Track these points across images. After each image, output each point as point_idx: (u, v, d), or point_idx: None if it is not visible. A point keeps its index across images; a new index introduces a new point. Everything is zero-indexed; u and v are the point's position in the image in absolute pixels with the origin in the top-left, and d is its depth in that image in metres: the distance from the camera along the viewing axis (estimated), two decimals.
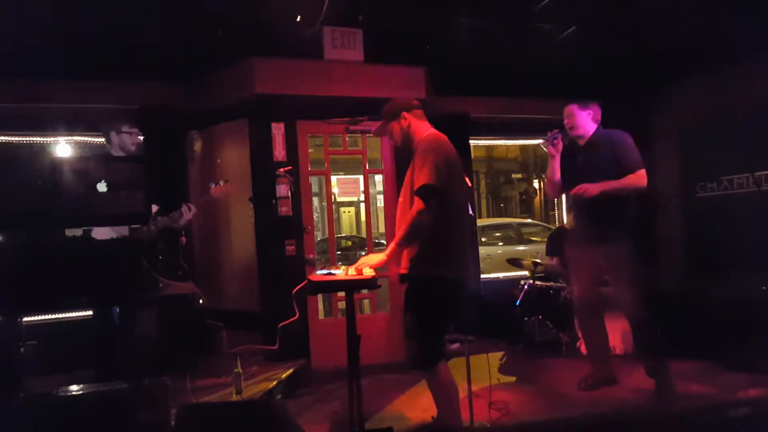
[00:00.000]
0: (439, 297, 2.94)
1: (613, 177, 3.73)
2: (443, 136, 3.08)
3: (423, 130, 3.11)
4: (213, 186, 4.16)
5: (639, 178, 3.74)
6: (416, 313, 2.97)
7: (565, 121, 4.01)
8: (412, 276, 2.98)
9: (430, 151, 2.92)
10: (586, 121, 3.95)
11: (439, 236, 2.89)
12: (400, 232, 2.94)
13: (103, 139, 5.01)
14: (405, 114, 3.11)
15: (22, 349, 3.49)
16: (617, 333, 4.78)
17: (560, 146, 4.02)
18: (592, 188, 3.72)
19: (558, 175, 4.03)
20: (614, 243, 3.78)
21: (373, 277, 2.95)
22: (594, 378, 4.02)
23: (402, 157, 3.32)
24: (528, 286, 5.38)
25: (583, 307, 4.09)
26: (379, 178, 6.12)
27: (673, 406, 3.34)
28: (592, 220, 3.85)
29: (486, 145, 12.35)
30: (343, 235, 11.84)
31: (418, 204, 2.85)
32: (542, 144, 4.08)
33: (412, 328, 2.98)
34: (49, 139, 5.06)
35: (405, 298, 3.04)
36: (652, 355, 3.83)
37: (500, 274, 6.97)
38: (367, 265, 2.97)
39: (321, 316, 5.42)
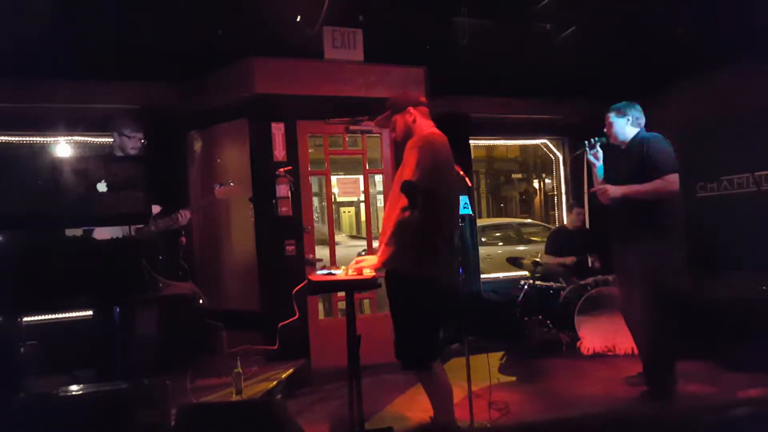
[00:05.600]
0: (420, 297, 2.87)
1: (643, 179, 3.68)
2: (438, 137, 3.01)
3: (425, 128, 3.05)
4: (217, 187, 4.15)
5: (667, 183, 3.64)
6: (400, 312, 2.93)
7: (605, 129, 4.01)
8: (392, 274, 2.94)
9: (415, 149, 2.87)
10: (623, 128, 3.92)
11: (422, 235, 2.84)
12: (386, 231, 2.91)
13: (102, 139, 5.05)
14: (411, 109, 3.04)
15: (22, 349, 3.49)
16: (618, 332, 4.78)
17: (600, 154, 4.03)
18: (614, 190, 3.73)
19: (599, 180, 4.03)
20: (643, 246, 3.68)
21: (373, 277, 2.95)
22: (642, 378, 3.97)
23: (402, 156, 3.26)
24: (528, 286, 5.38)
25: (628, 307, 3.99)
26: (379, 178, 6.12)
27: (673, 406, 3.34)
28: (623, 221, 3.83)
29: (486, 145, 12.36)
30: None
31: (403, 201, 2.81)
32: (580, 153, 4.09)
33: (400, 328, 2.94)
34: (49, 139, 5.05)
35: (388, 297, 3.00)
36: (656, 358, 3.77)
37: (500, 274, 6.97)
38: (364, 267, 2.95)
39: (321, 316, 5.42)
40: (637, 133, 3.93)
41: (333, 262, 5.18)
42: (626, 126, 3.92)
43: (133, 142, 3.86)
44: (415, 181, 2.78)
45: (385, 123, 3.16)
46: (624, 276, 4.00)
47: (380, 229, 3.18)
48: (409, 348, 2.92)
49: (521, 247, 9.46)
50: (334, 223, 5.59)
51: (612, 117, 3.96)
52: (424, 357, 2.91)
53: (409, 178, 2.80)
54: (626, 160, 3.89)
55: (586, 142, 4.03)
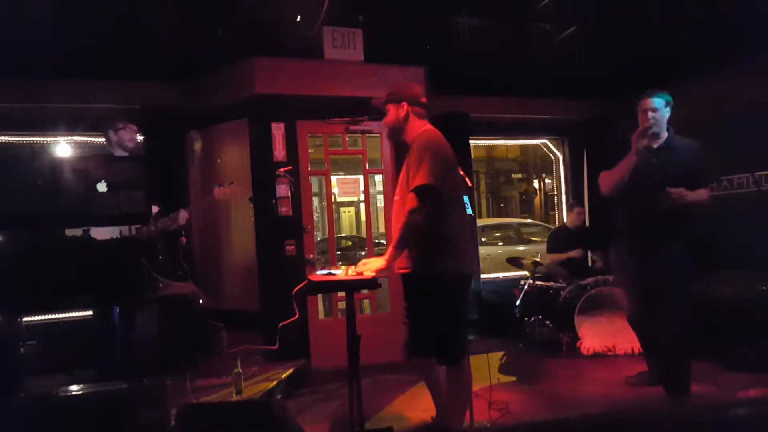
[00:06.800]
0: (449, 291, 2.94)
1: (684, 185, 3.53)
2: (438, 133, 3.06)
3: (418, 126, 3.08)
4: (217, 188, 4.14)
5: (708, 194, 3.65)
6: (431, 312, 2.94)
7: (649, 116, 3.61)
8: (415, 276, 2.98)
9: (425, 149, 2.91)
10: (665, 121, 3.66)
11: (439, 233, 2.90)
12: (396, 234, 2.95)
13: (103, 139, 5.05)
14: (405, 105, 3.07)
15: (22, 349, 3.49)
16: (618, 332, 4.78)
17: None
18: (690, 195, 3.48)
19: (627, 174, 3.66)
20: (675, 251, 3.62)
21: (373, 277, 2.95)
22: (647, 378, 3.97)
23: (402, 156, 3.25)
24: (528, 286, 5.38)
25: (636, 310, 3.92)
26: (379, 178, 6.12)
27: (672, 405, 3.33)
28: (665, 224, 3.62)
29: (486, 145, 12.36)
30: (343, 235, 11.83)
31: (412, 203, 2.85)
32: (637, 138, 3.58)
33: (431, 327, 2.94)
34: (49, 139, 5.06)
35: (408, 299, 3.04)
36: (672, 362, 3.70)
37: (500, 274, 6.97)
38: (369, 269, 2.96)
39: (321, 316, 5.42)
40: (674, 134, 3.69)
41: (333, 262, 5.19)
42: (666, 120, 3.64)
43: (130, 134, 3.84)
44: (431, 184, 2.83)
45: (381, 107, 3.17)
46: (644, 277, 3.76)
47: (381, 230, 3.18)
48: (447, 344, 2.95)
49: (521, 247, 9.46)
50: (334, 223, 5.60)
51: (658, 103, 3.60)
52: (461, 351, 2.97)
53: (423, 182, 2.83)
54: (670, 163, 3.63)
55: (644, 126, 3.60)
